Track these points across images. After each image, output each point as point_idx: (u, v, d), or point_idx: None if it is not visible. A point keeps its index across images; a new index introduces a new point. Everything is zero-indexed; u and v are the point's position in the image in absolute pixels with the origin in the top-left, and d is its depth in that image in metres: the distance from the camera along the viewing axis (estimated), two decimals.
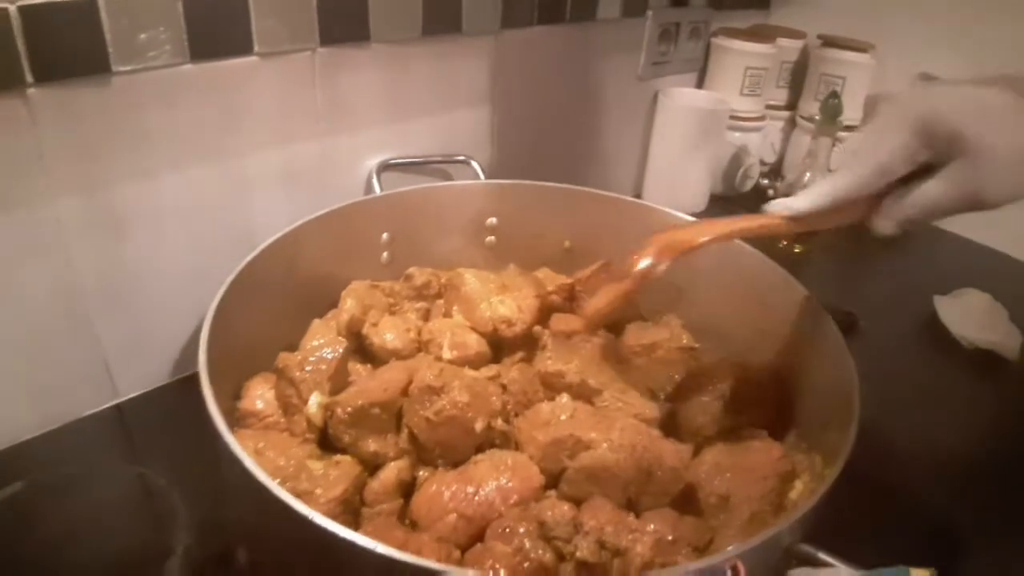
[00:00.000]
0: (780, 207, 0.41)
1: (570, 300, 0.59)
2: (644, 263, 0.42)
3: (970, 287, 0.74)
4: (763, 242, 0.72)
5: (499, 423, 0.44)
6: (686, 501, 0.42)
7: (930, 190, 0.38)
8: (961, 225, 0.90)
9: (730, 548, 0.30)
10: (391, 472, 0.41)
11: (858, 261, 0.87)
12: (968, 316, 0.71)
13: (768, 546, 0.30)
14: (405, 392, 0.44)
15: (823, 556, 0.32)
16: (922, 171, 0.38)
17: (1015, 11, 0.77)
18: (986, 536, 0.48)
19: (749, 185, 0.91)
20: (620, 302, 0.43)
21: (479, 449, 0.43)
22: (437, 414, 0.41)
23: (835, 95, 0.75)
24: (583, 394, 0.47)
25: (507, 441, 0.45)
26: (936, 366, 0.68)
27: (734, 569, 0.28)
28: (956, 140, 0.36)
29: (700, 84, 0.93)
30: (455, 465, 0.42)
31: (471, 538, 0.37)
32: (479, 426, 0.43)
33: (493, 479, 0.39)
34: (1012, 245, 0.85)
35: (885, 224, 0.40)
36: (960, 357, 0.68)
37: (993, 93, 0.37)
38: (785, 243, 0.82)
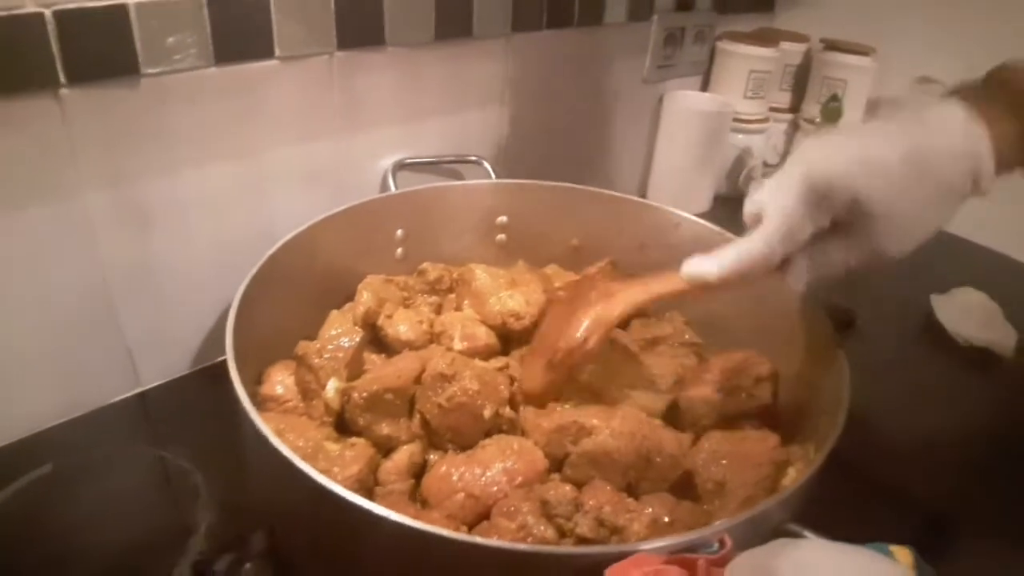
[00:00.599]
0: (695, 274, 0.41)
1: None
2: (573, 343, 0.45)
3: (967, 286, 0.75)
4: None
5: (506, 411, 0.46)
6: (684, 487, 0.44)
7: (839, 251, 0.39)
8: (958, 226, 0.91)
9: (719, 523, 0.32)
10: (403, 454, 0.43)
11: None
12: (964, 314, 0.72)
13: (756, 523, 0.32)
14: (418, 380, 0.46)
15: (808, 534, 0.33)
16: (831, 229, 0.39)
17: (1015, 14, 0.78)
18: (975, 525, 0.50)
19: (752, 186, 0.93)
20: (555, 386, 0.47)
21: (487, 435, 0.45)
22: (448, 400, 0.44)
23: (835, 98, 0.76)
24: (592, 389, 0.49)
25: (513, 428, 0.46)
26: (932, 363, 0.69)
27: (721, 542, 0.30)
28: (855, 206, 0.37)
29: (705, 87, 0.94)
30: (464, 449, 0.44)
31: (478, 516, 0.39)
32: (487, 413, 0.45)
33: (500, 462, 0.41)
34: (1009, 245, 0.86)
35: (796, 281, 0.41)
36: (956, 355, 0.69)
37: (881, 147, 0.37)
38: None
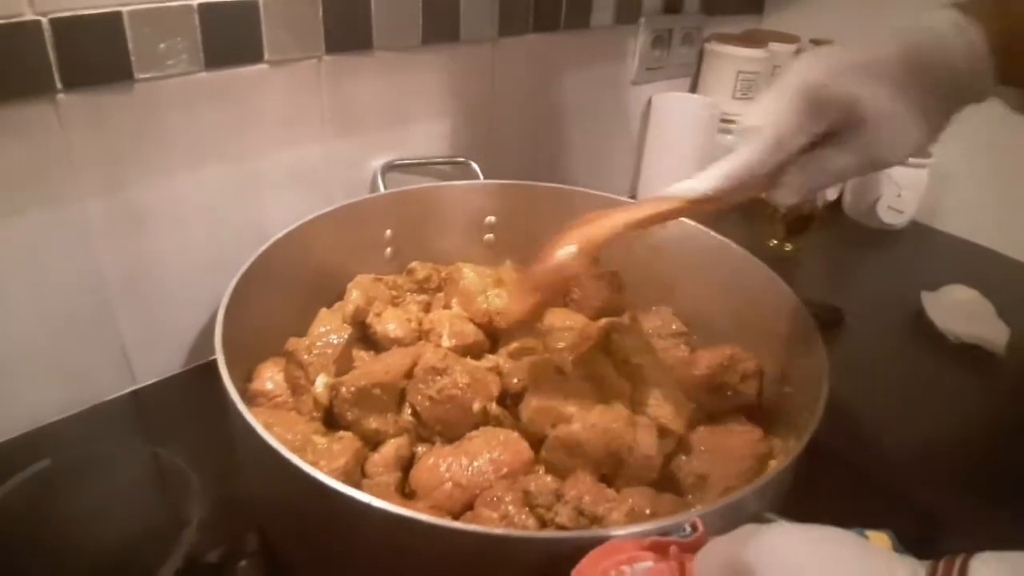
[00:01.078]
0: (683, 189, 0.41)
1: (563, 295, 0.61)
2: (555, 263, 0.42)
3: (958, 283, 0.76)
4: (754, 240, 0.74)
5: (494, 407, 0.47)
6: (666, 480, 0.44)
7: (833, 158, 0.38)
8: (950, 223, 0.91)
9: (694, 509, 0.32)
10: (391, 447, 0.44)
11: (848, 259, 0.88)
12: (954, 311, 0.72)
13: (732, 511, 0.33)
14: (406, 375, 0.47)
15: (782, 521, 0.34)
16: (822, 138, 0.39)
17: None
18: (961, 520, 0.50)
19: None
20: (540, 309, 0.45)
21: (475, 429, 0.46)
22: (439, 392, 0.45)
23: None
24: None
25: (500, 424, 0.47)
26: (921, 360, 0.69)
27: (693, 525, 0.30)
28: (852, 108, 0.36)
29: (693, 88, 0.95)
30: (451, 442, 0.45)
31: (464, 505, 0.40)
32: (476, 407, 0.46)
33: (486, 452, 0.42)
34: (999, 241, 0.87)
35: (787, 194, 0.40)
36: (946, 351, 0.69)
37: (878, 49, 0.37)
38: (776, 242, 0.85)
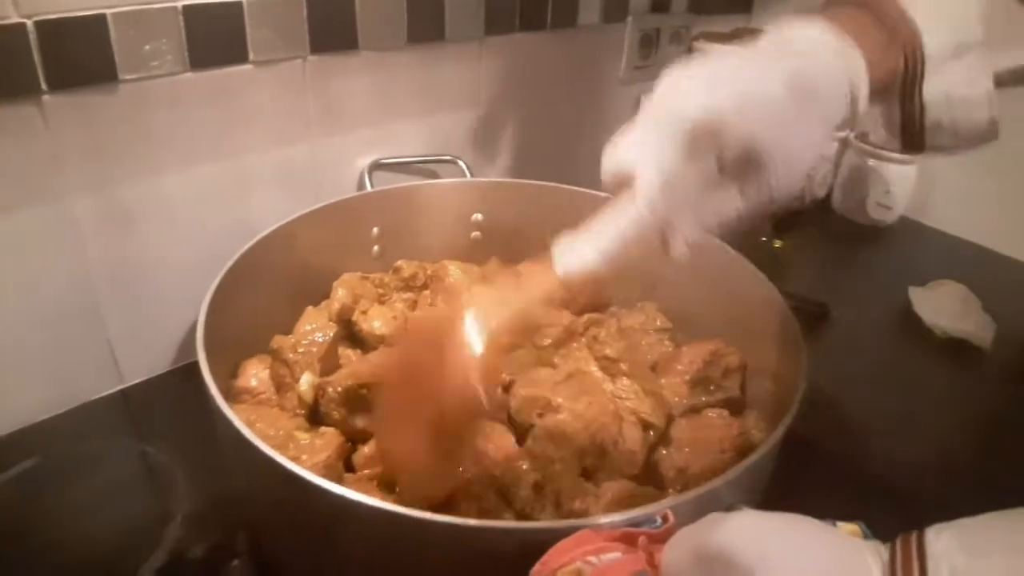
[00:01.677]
0: (579, 265, 0.34)
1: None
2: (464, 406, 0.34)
3: (945, 279, 0.76)
4: (743, 236, 0.74)
5: (498, 392, 0.47)
6: (647, 473, 0.45)
7: (728, 202, 0.33)
8: (938, 219, 0.92)
9: (666, 500, 0.33)
10: None
11: (836, 255, 0.89)
12: (942, 306, 0.72)
13: (704, 502, 0.33)
14: (392, 374, 0.47)
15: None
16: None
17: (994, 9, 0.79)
18: (949, 514, 0.50)
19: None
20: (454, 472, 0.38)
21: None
22: None
23: None
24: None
25: (501, 412, 0.47)
26: (910, 356, 0.69)
27: (664, 517, 0.31)
28: (748, 150, 0.32)
29: None
30: None
31: (446, 498, 0.40)
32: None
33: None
34: (987, 236, 0.87)
35: (680, 249, 0.34)
36: (932, 346, 0.69)
37: (761, 79, 0.32)
38: (765, 238, 0.85)
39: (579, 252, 0.34)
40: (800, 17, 0.35)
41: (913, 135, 0.38)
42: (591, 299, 0.59)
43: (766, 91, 0.32)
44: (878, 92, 0.36)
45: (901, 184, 0.88)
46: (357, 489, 0.40)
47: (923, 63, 0.36)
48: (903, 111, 0.37)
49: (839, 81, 0.34)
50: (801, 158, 0.33)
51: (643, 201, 0.32)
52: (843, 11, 0.35)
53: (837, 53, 0.34)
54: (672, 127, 0.32)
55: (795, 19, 0.35)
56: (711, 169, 0.33)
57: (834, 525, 0.33)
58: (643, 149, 0.33)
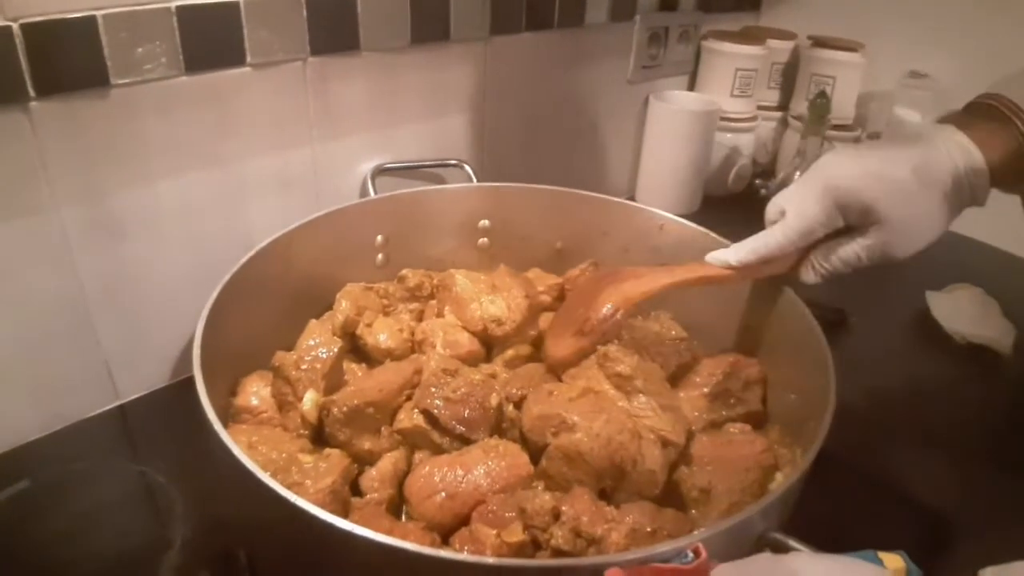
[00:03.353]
0: (717, 260, 0.48)
1: (560, 299, 0.60)
2: (602, 314, 0.48)
3: (964, 283, 0.74)
4: None
5: (510, 408, 0.46)
6: (668, 493, 0.43)
7: (850, 251, 0.45)
8: (955, 221, 0.90)
9: (697, 532, 0.31)
10: (387, 462, 0.43)
11: None
12: (960, 311, 0.71)
13: (738, 532, 0.31)
14: (400, 392, 0.46)
15: (793, 544, 0.32)
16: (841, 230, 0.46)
17: (1002, 9, 0.78)
18: (972, 526, 0.49)
19: (742, 185, 0.92)
20: (583, 353, 0.49)
21: (492, 432, 0.45)
22: (455, 391, 0.44)
23: (823, 95, 0.76)
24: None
25: (513, 427, 0.46)
26: (928, 362, 0.68)
27: (695, 551, 0.29)
28: (869, 213, 0.43)
29: (691, 87, 0.94)
30: (469, 443, 0.44)
31: (456, 517, 0.39)
32: (494, 400, 0.45)
33: (482, 464, 0.41)
34: (1006, 240, 0.85)
35: (811, 275, 0.47)
36: (952, 352, 0.68)
37: (893, 163, 0.44)
38: None
39: (724, 253, 0.48)
40: (933, 124, 0.47)
41: None
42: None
43: (894, 172, 0.43)
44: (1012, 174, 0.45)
45: None
46: (365, 515, 0.38)
47: None
48: None
49: (959, 173, 0.44)
50: (918, 228, 0.44)
51: (783, 233, 0.45)
52: (965, 120, 0.46)
53: (962, 151, 0.44)
54: (816, 187, 0.45)
55: (930, 126, 0.47)
56: (840, 223, 0.45)
57: (876, 555, 0.32)
58: (795, 199, 0.46)
